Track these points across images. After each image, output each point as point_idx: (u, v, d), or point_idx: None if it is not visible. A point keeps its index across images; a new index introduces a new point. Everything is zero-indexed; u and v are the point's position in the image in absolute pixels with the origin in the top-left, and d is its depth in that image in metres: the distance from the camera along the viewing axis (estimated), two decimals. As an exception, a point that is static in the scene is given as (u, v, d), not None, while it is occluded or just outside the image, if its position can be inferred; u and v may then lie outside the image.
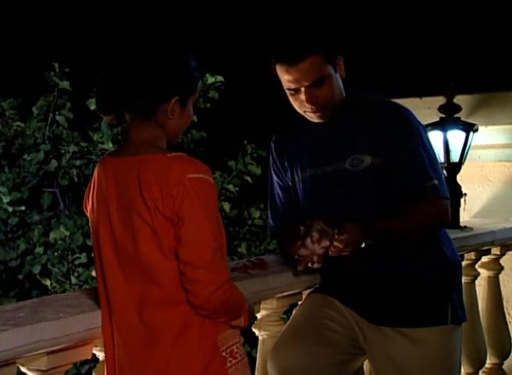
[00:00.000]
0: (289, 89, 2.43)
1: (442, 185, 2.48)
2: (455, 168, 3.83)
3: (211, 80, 5.94)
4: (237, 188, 5.82)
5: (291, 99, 2.46)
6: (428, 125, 3.66)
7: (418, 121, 2.54)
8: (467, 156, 3.89)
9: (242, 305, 2.01)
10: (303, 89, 2.40)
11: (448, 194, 2.49)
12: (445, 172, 3.69)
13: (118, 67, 1.99)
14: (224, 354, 1.95)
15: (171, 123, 2.00)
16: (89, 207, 2.04)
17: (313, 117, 2.49)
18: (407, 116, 2.51)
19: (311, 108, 2.44)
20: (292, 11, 8.38)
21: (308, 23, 2.50)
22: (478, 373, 3.59)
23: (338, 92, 2.46)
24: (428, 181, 2.44)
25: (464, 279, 3.17)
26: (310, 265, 2.36)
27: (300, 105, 2.45)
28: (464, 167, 3.89)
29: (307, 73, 2.38)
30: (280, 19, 8.00)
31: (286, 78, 2.41)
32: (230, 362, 1.96)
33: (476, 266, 3.60)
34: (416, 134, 2.48)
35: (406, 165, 2.45)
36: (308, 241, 2.32)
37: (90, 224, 2.06)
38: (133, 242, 1.92)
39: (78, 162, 5.81)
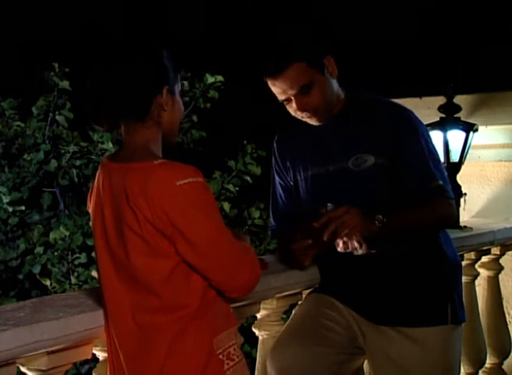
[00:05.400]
0: (281, 100, 2.45)
1: (447, 185, 2.48)
2: (455, 168, 3.83)
3: (211, 80, 5.95)
4: (237, 188, 5.82)
5: (287, 108, 2.49)
6: (428, 125, 3.66)
7: (420, 121, 2.54)
8: (467, 156, 3.89)
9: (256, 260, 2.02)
10: (292, 98, 2.41)
11: (452, 195, 2.50)
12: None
13: (104, 78, 1.98)
14: (221, 357, 1.94)
15: (166, 116, 1.99)
16: (90, 207, 2.05)
17: (311, 121, 2.50)
18: (409, 116, 2.52)
19: (305, 115, 2.46)
20: (292, 10, 8.38)
21: (285, 32, 2.51)
22: (477, 372, 3.59)
23: (330, 93, 2.47)
24: (434, 182, 2.44)
25: (464, 279, 3.17)
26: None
27: (295, 113, 2.47)
28: (463, 167, 3.89)
29: (292, 83, 2.39)
30: (279, 19, 8.00)
31: (274, 90, 2.44)
32: (228, 364, 1.95)
33: (476, 266, 3.60)
34: (419, 135, 2.49)
35: (409, 165, 2.45)
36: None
37: (91, 224, 2.06)
38: (125, 251, 1.91)
39: (78, 162, 5.81)
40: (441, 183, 2.45)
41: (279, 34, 2.50)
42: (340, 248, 2.34)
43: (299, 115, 2.48)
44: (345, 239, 2.31)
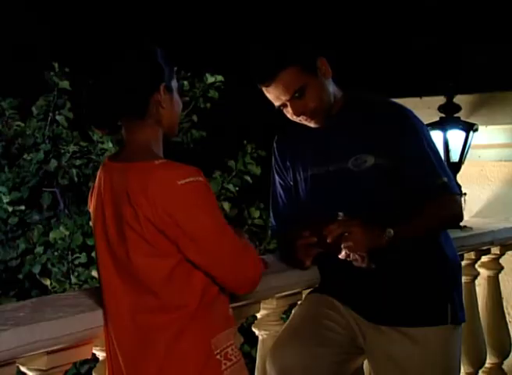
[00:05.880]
0: (277, 106, 2.45)
1: (452, 182, 2.49)
2: (455, 168, 3.83)
3: (211, 79, 5.94)
4: (237, 188, 5.82)
5: (284, 113, 2.48)
6: (428, 125, 3.65)
7: (420, 120, 2.54)
8: (467, 156, 3.89)
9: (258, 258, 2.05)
10: (287, 103, 2.41)
11: (458, 190, 2.51)
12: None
13: (100, 80, 1.99)
14: (218, 357, 1.94)
15: (165, 114, 1.99)
16: (91, 207, 2.05)
17: (309, 124, 2.50)
18: (408, 115, 2.52)
19: (302, 118, 2.46)
20: (291, 10, 8.38)
21: (273, 38, 2.51)
22: (477, 372, 3.59)
23: (326, 94, 2.46)
24: (438, 179, 2.44)
25: (463, 279, 3.17)
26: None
27: (292, 117, 2.47)
28: (463, 167, 3.89)
29: (285, 89, 2.40)
30: (278, 18, 8.00)
31: (269, 97, 2.45)
32: (225, 364, 1.95)
33: (476, 266, 3.60)
34: (419, 133, 2.49)
35: (412, 164, 2.44)
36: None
37: (91, 223, 2.06)
38: (126, 251, 1.92)
39: (78, 162, 5.81)
40: (445, 181, 2.45)
41: (265, 41, 2.50)
42: (342, 256, 2.36)
43: (296, 119, 2.47)
44: (347, 251, 2.33)
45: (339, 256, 2.35)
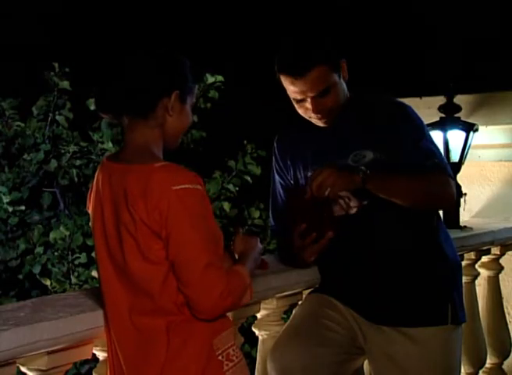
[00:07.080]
0: (294, 99, 2.45)
1: (447, 166, 2.48)
2: (455, 168, 3.82)
3: (211, 80, 5.94)
4: (237, 188, 5.82)
5: (296, 106, 2.48)
6: (428, 125, 3.66)
7: (419, 117, 2.56)
8: (467, 156, 3.89)
9: (245, 288, 1.95)
10: (309, 99, 2.42)
11: (452, 174, 2.49)
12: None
13: (118, 67, 1.99)
14: (220, 358, 1.93)
15: (170, 122, 1.98)
16: (90, 208, 2.04)
17: (318, 123, 2.51)
18: (407, 112, 2.53)
19: (317, 116, 2.46)
20: (293, 11, 8.38)
21: (313, 34, 2.51)
22: (478, 372, 3.59)
23: (342, 96, 2.49)
24: (431, 160, 2.44)
25: (464, 279, 3.17)
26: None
27: (306, 112, 2.47)
28: (463, 167, 3.89)
29: (313, 85, 2.40)
30: (283, 24, 8.00)
31: (291, 89, 2.43)
32: (227, 365, 1.94)
33: (476, 266, 3.60)
34: (417, 129, 2.50)
35: (408, 153, 2.44)
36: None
37: (91, 224, 2.06)
38: (122, 253, 1.91)
39: (78, 162, 5.81)
40: (437, 162, 2.45)
41: (304, 36, 2.50)
42: (336, 211, 2.41)
43: (308, 115, 2.48)
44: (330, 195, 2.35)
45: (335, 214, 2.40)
